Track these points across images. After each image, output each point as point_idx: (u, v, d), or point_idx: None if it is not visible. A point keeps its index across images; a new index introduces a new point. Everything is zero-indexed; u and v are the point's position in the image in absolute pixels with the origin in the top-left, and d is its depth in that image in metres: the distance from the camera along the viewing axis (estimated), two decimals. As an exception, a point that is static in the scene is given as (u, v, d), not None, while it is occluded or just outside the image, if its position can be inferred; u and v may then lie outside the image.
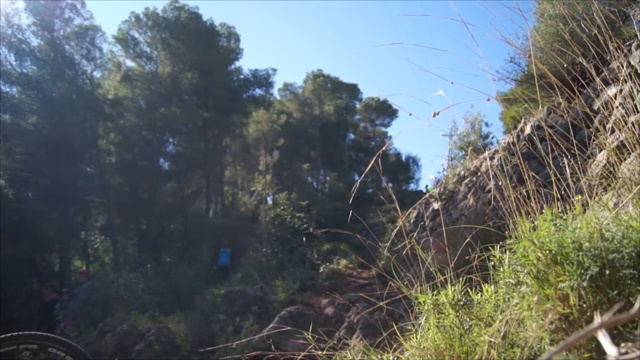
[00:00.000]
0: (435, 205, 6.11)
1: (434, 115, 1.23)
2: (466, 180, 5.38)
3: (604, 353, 0.83)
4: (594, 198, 1.28)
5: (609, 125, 1.39)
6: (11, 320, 12.22)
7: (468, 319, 1.26)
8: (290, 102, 30.49)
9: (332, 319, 4.16)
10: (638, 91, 1.37)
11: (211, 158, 23.04)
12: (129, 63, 22.38)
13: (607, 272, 0.98)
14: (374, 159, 1.47)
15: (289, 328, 2.15)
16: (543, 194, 1.38)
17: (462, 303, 1.29)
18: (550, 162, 1.28)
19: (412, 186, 34.66)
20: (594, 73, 1.40)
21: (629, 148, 1.38)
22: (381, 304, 1.65)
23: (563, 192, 1.30)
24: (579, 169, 1.39)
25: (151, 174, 21.16)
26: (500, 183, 1.41)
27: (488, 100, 1.31)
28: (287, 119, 24.31)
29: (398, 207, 1.70)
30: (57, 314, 8.30)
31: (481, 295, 1.29)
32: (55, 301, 8.72)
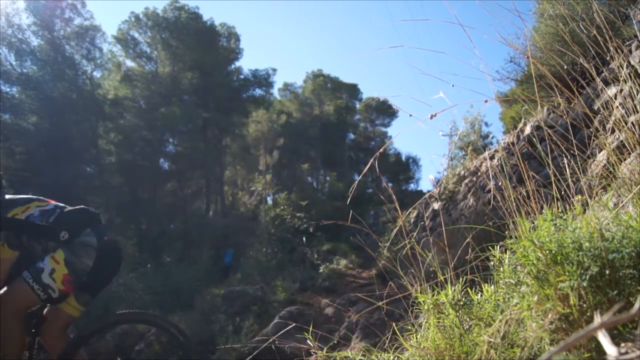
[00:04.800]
0: (435, 205, 6.11)
1: (432, 117, 1.24)
2: (466, 180, 5.38)
3: (604, 353, 0.83)
4: (594, 198, 1.28)
5: (609, 126, 1.39)
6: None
7: (468, 319, 1.26)
8: (290, 102, 30.49)
9: (332, 319, 4.15)
10: (638, 91, 1.37)
11: (211, 158, 23.05)
12: (129, 63, 22.42)
13: (607, 272, 0.98)
14: (373, 158, 1.48)
15: (293, 324, 2.15)
16: (543, 194, 1.38)
17: (462, 303, 1.29)
18: (550, 162, 1.28)
19: (412, 186, 34.71)
20: (594, 73, 1.40)
21: (628, 148, 1.38)
22: (380, 304, 1.65)
23: (563, 192, 1.30)
24: (578, 169, 1.39)
25: (151, 174, 21.18)
26: (500, 183, 1.41)
27: (486, 101, 1.31)
28: (287, 119, 24.32)
29: (398, 207, 1.70)
30: None
31: (481, 295, 1.29)
32: None
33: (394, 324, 1.55)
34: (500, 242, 1.30)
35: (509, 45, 1.47)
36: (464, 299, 1.30)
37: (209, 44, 22.42)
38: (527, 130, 3.98)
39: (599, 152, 2.07)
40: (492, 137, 12.11)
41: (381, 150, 1.41)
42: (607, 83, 2.27)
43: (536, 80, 1.32)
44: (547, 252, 1.04)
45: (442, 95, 1.27)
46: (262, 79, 25.57)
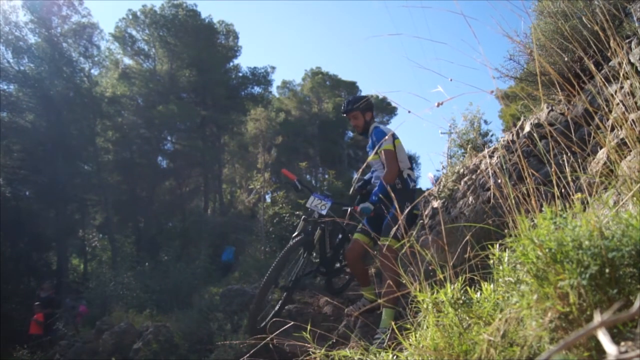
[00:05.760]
0: (435, 204, 6.10)
1: (438, 105, 1.23)
2: (465, 179, 5.36)
3: (604, 352, 0.82)
4: (594, 196, 1.27)
5: (608, 123, 1.38)
6: (9, 319, 12.20)
7: (467, 318, 1.25)
8: (289, 100, 30.43)
9: (330, 318, 4.15)
10: (638, 88, 1.37)
11: (209, 156, 22.99)
12: (127, 61, 22.34)
13: (607, 270, 0.98)
14: (372, 156, 1.46)
15: (291, 323, 2.15)
16: (543, 192, 1.38)
17: (461, 302, 1.28)
18: (552, 160, 1.27)
19: (411, 184, 34.67)
20: (594, 69, 1.39)
21: (629, 145, 1.38)
22: (380, 301, 1.64)
23: (563, 190, 1.29)
24: (579, 166, 1.38)
25: (149, 172, 21.13)
26: (499, 181, 1.40)
27: (491, 92, 1.30)
28: (285, 117, 24.25)
29: (397, 206, 1.69)
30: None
31: (480, 294, 1.29)
32: (50, 298, 8.74)
33: (392, 323, 1.54)
34: (500, 241, 1.29)
35: (511, 39, 1.46)
36: (463, 298, 1.30)
37: (207, 41, 22.34)
38: (527, 127, 3.97)
39: (600, 150, 2.06)
40: (492, 135, 12.11)
41: (380, 143, 1.39)
42: (608, 80, 2.26)
43: (539, 75, 1.31)
44: (547, 250, 1.04)
45: (440, 90, 1.26)
46: (261, 77, 25.52)
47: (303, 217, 3.64)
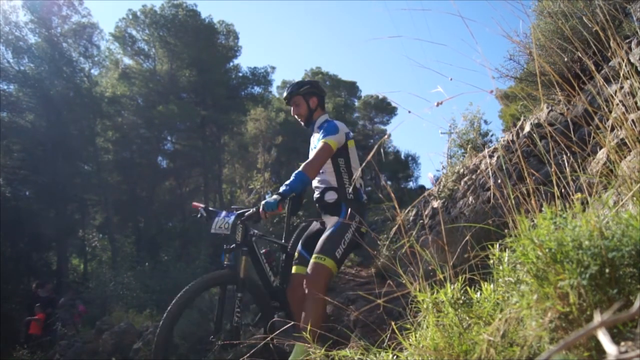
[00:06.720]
0: (435, 204, 6.10)
1: (437, 105, 1.22)
2: (465, 179, 5.37)
3: (604, 352, 0.82)
4: (594, 196, 1.27)
5: (608, 123, 1.39)
6: (9, 319, 12.21)
7: (467, 318, 1.25)
8: (289, 100, 30.43)
9: (330, 317, 4.14)
10: (638, 88, 1.37)
11: (209, 156, 23.00)
12: (127, 61, 22.37)
13: (607, 270, 0.98)
14: (370, 155, 1.47)
15: (292, 322, 2.15)
16: (543, 192, 1.38)
17: (461, 302, 1.28)
18: (552, 160, 1.27)
19: (411, 184, 34.81)
20: (593, 70, 1.39)
21: (629, 145, 1.38)
22: (379, 301, 1.64)
23: (563, 190, 1.29)
24: (579, 166, 1.38)
25: (149, 172, 21.14)
26: (499, 181, 1.40)
27: (491, 92, 1.30)
28: (285, 117, 24.27)
29: (397, 206, 1.69)
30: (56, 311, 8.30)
31: (480, 294, 1.29)
32: (50, 298, 8.73)
33: (392, 323, 1.54)
34: (500, 241, 1.29)
35: (511, 39, 1.46)
36: (463, 298, 1.30)
37: (207, 41, 22.35)
38: (527, 127, 3.97)
39: (599, 150, 2.06)
40: (492, 135, 12.13)
41: (378, 144, 1.39)
42: (607, 80, 2.27)
43: (539, 76, 1.32)
44: (547, 250, 1.04)
45: (440, 90, 1.26)
46: (261, 77, 25.56)
47: (225, 247, 2.89)
